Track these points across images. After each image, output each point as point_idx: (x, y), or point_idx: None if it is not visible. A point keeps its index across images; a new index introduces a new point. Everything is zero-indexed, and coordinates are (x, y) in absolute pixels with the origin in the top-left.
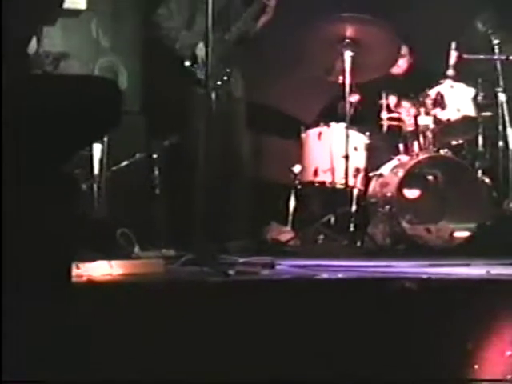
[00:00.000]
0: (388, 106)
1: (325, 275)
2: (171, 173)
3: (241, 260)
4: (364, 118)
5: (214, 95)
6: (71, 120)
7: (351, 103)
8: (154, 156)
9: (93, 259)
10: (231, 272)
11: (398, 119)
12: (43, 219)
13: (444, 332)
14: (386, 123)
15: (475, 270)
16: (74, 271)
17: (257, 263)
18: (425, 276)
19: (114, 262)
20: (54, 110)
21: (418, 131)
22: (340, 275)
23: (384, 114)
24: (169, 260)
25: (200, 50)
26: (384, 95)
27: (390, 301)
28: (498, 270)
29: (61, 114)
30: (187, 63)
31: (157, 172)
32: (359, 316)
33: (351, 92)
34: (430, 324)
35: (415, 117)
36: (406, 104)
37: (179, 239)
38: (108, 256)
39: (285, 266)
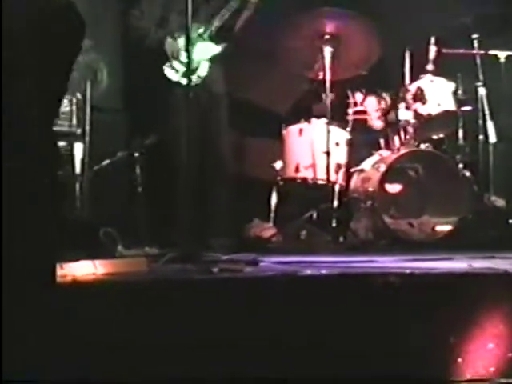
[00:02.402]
0: (355, 102)
1: (308, 271)
2: (153, 171)
3: (224, 257)
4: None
5: (192, 93)
6: None
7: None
8: (136, 154)
9: (76, 259)
10: (215, 269)
11: (364, 113)
12: (27, 220)
13: (427, 326)
14: (351, 118)
15: (457, 264)
16: (59, 271)
17: (240, 260)
18: (408, 271)
19: (97, 262)
20: None
21: (387, 127)
22: (323, 271)
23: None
24: (152, 258)
25: (169, 44)
26: (350, 93)
27: (373, 296)
28: (480, 264)
29: None
30: (167, 70)
31: (138, 170)
32: (343, 312)
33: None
34: (413, 318)
35: (387, 111)
36: (372, 99)
37: (162, 237)
38: (92, 255)
39: (268, 263)
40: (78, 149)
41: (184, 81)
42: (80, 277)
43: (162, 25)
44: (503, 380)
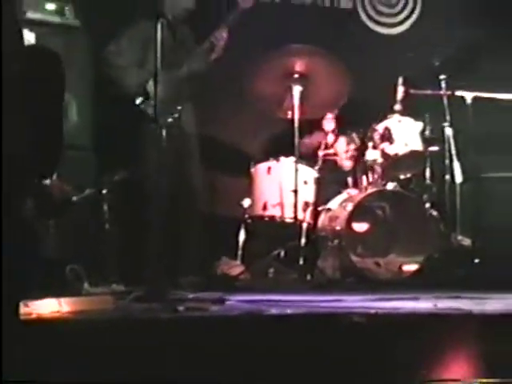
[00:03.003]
0: (326, 143)
1: (274, 310)
2: (121, 208)
3: (190, 296)
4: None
5: (164, 131)
6: None
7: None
8: (104, 191)
9: (42, 297)
10: (181, 308)
11: (334, 154)
12: None
13: (392, 366)
14: (321, 159)
15: (423, 304)
16: (23, 309)
17: (206, 299)
18: (372, 311)
19: (63, 300)
20: None
21: (356, 166)
22: (289, 310)
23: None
24: (119, 296)
25: (150, 86)
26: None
27: (338, 336)
28: (445, 304)
29: None
30: (138, 100)
31: (106, 207)
32: (308, 351)
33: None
34: (378, 359)
35: (357, 151)
36: (342, 140)
37: (129, 275)
38: (57, 293)
39: (234, 301)
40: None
41: (158, 118)
42: (45, 315)
43: (141, 64)
44: None
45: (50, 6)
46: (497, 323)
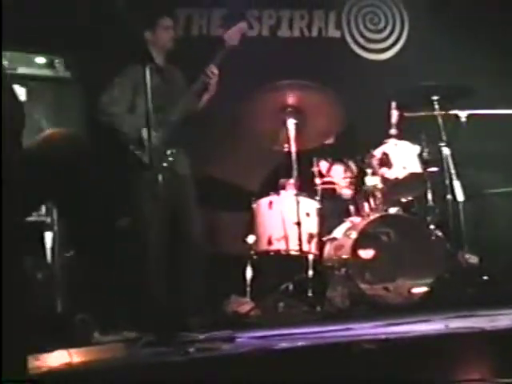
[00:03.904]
0: (320, 171)
1: (284, 344)
2: (126, 254)
3: (201, 336)
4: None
5: (160, 177)
6: None
7: None
8: None
9: (51, 349)
10: (191, 350)
11: (331, 183)
12: None
13: None
14: (320, 188)
15: (434, 326)
16: (33, 363)
17: (217, 338)
18: (383, 336)
19: (73, 351)
20: None
21: (356, 194)
22: (299, 343)
23: (317, 180)
24: (130, 342)
25: (145, 133)
26: (315, 161)
27: (349, 364)
28: (457, 323)
29: None
30: (132, 147)
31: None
32: (320, 382)
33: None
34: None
35: (355, 179)
36: (338, 168)
37: (139, 320)
38: (67, 344)
39: (245, 339)
40: (48, 237)
41: (154, 163)
42: (55, 367)
43: (132, 110)
44: None
45: (40, 60)
46: (510, 339)
